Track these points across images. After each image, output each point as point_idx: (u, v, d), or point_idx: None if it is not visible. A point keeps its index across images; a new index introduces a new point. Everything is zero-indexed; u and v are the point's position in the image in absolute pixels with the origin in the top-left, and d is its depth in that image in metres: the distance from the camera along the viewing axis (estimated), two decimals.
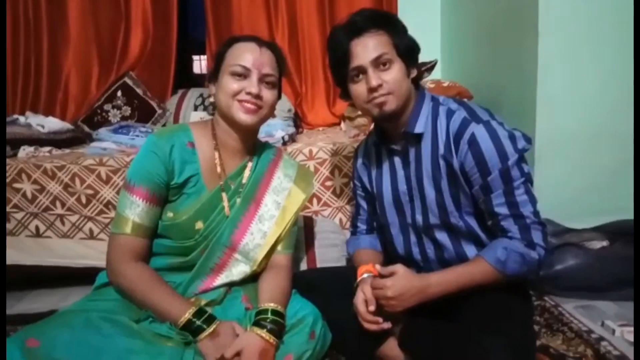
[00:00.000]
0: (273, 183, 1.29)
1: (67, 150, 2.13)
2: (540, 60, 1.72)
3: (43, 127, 2.18)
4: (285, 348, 1.11)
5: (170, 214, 1.19)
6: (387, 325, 1.15)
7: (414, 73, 1.22)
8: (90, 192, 1.81)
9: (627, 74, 1.71)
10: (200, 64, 4.11)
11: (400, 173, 1.27)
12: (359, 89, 1.19)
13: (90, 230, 1.85)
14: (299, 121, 2.64)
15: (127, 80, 2.63)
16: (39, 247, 1.84)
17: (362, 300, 1.16)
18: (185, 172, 1.18)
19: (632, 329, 1.34)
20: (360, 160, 1.41)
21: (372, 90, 1.16)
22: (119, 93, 2.60)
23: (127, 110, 2.59)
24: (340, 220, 1.88)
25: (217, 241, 1.21)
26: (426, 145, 1.21)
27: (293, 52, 2.70)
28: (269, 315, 1.12)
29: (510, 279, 1.11)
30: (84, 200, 1.82)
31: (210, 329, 1.07)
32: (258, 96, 1.17)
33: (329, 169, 1.86)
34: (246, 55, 1.17)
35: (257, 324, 1.11)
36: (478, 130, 1.12)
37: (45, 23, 2.57)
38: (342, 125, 2.51)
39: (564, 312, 1.48)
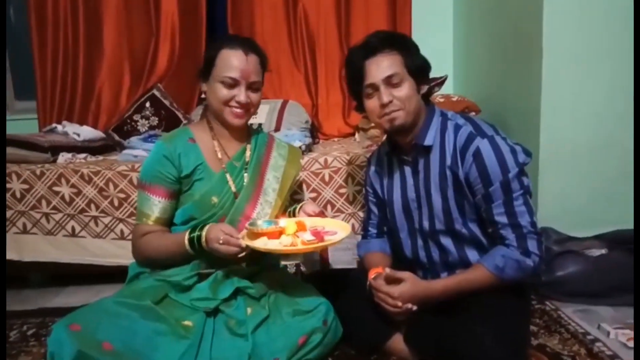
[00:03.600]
0: (271, 161, 1.49)
1: (100, 157, 2.30)
2: (543, 77, 1.82)
3: (79, 135, 2.35)
4: (300, 330, 1.24)
5: (188, 199, 1.37)
6: (412, 307, 1.21)
7: (424, 89, 1.33)
8: (122, 195, 1.97)
9: (627, 89, 1.80)
10: None
11: (410, 182, 1.38)
12: (372, 104, 1.31)
13: (121, 231, 2.00)
14: (315, 132, 2.77)
15: (155, 92, 2.79)
16: (75, 246, 2.00)
17: (385, 293, 1.25)
18: (190, 163, 1.36)
19: (626, 331, 1.41)
20: (372, 169, 1.52)
21: (383, 105, 1.27)
22: (148, 104, 2.76)
23: (154, 120, 2.75)
24: (353, 225, 1.99)
25: (235, 213, 1.38)
26: (434, 156, 1.31)
27: (311, 64, 2.84)
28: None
29: (506, 284, 1.21)
30: (116, 203, 1.98)
31: (204, 232, 1.26)
32: (247, 104, 1.35)
33: (342, 177, 1.98)
34: (234, 65, 1.32)
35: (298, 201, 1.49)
36: (482, 144, 1.22)
37: (82, 39, 2.77)
38: (357, 136, 2.63)
39: (562, 315, 1.56)
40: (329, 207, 1.99)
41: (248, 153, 1.46)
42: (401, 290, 1.20)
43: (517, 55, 2.06)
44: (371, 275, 1.34)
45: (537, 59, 1.84)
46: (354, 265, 1.85)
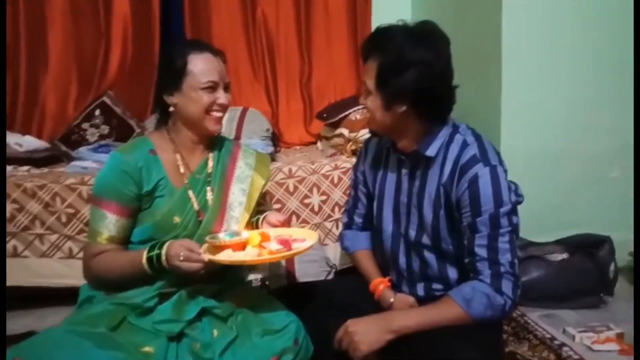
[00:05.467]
0: (236, 172, 1.39)
1: (45, 169, 2.13)
2: (504, 86, 1.86)
3: (21, 145, 2.18)
4: (270, 351, 1.17)
5: (148, 217, 1.27)
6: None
7: (401, 108, 1.16)
8: (71, 211, 1.83)
9: (586, 97, 1.87)
10: None
11: (405, 185, 1.28)
12: None
13: (70, 250, 1.86)
14: (276, 140, 2.71)
15: (105, 99, 2.63)
16: (17, 266, 1.84)
17: None
18: (152, 178, 1.26)
19: (590, 334, 1.46)
20: (368, 156, 1.39)
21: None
22: (97, 112, 2.60)
23: (105, 129, 2.59)
24: (319, 236, 1.95)
25: (202, 234, 1.27)
26: (434, 170, 1.21)
27: (271, 71, 2.79)
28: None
29: (475, 322, 1.11)
30: (64, 219, 1.84)
31: (164, 250, 1.17)
32: (228, 105, 1.30)
33: (307, 187, 1.94)
34: (210, 68, 1.26)
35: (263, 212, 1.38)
36: (482, 172, 1.13)
37: (24, 41, 2.56)
38: (319, 144, 2.60)
39: (529, 320, 1.59)
40: (294, 217, 1.94)
41: (210, 164, 1.37)
42: (353, 321, 1.13)
43: (476, 66, 2.09)
44: (378, 288, 1.29)
45: (496, 70, 1.88)
46: (322, 277, 1.80)
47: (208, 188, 1.33)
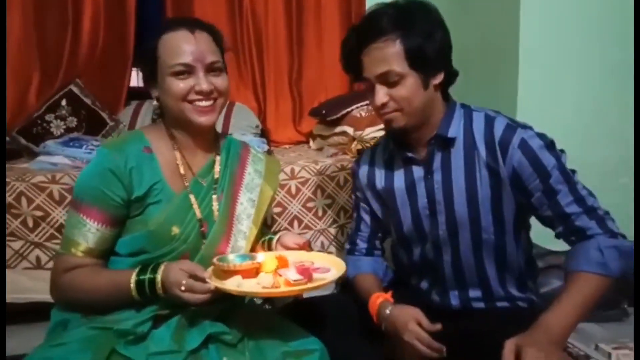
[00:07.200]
0: (245, 180, 1.21)
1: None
2: (520, 89, 1.76)
3: None
4: None
5: (139, 226, 1.06)
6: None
7: (439, 78, 1.11)
8: (39, 213, 1.58)
9: (610, 103, 1.80)
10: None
11: (420, 185, 1.18)
12: (370, 100, 1.13)
13: (37, 259, 1.60)
14: (267, 138, 2.52)
15: (73, 88, 2.35)
16: None
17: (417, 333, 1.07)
18: (145, 181, 1.06)
19: (625, 351, 1.37)
20: (364, 171, 1.29)
21: (378, 107, 1.10)
22: (64, 102, 2.32)
23: (72, 122, 2.31)
24: (322, 243, 1.79)
25: (208, 249, 1.09)
26: (457, 152, 1.13)
27: (258, 66, 2.61)
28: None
29: (615, 281, 1.02)
30: (30, 223, 1.58)
31: (159, 275, 0.99)
32: (210, 91, 1.06)
33: (311, 190, 1.77)
34: (182, 48, 1.04)
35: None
36: (527, 134, 1.08)
37: None
38: (312, 143, 2.43)
39: None
40: (295, 223, 1.76)
41: (217, 168, 1.16)
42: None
43: (486, 68, 2.00)
44: (377, 302, 1.14)
45: (511, 73, 1.78)
46: (329, 292, 1.64)
47: (214, 196, 1.13)
